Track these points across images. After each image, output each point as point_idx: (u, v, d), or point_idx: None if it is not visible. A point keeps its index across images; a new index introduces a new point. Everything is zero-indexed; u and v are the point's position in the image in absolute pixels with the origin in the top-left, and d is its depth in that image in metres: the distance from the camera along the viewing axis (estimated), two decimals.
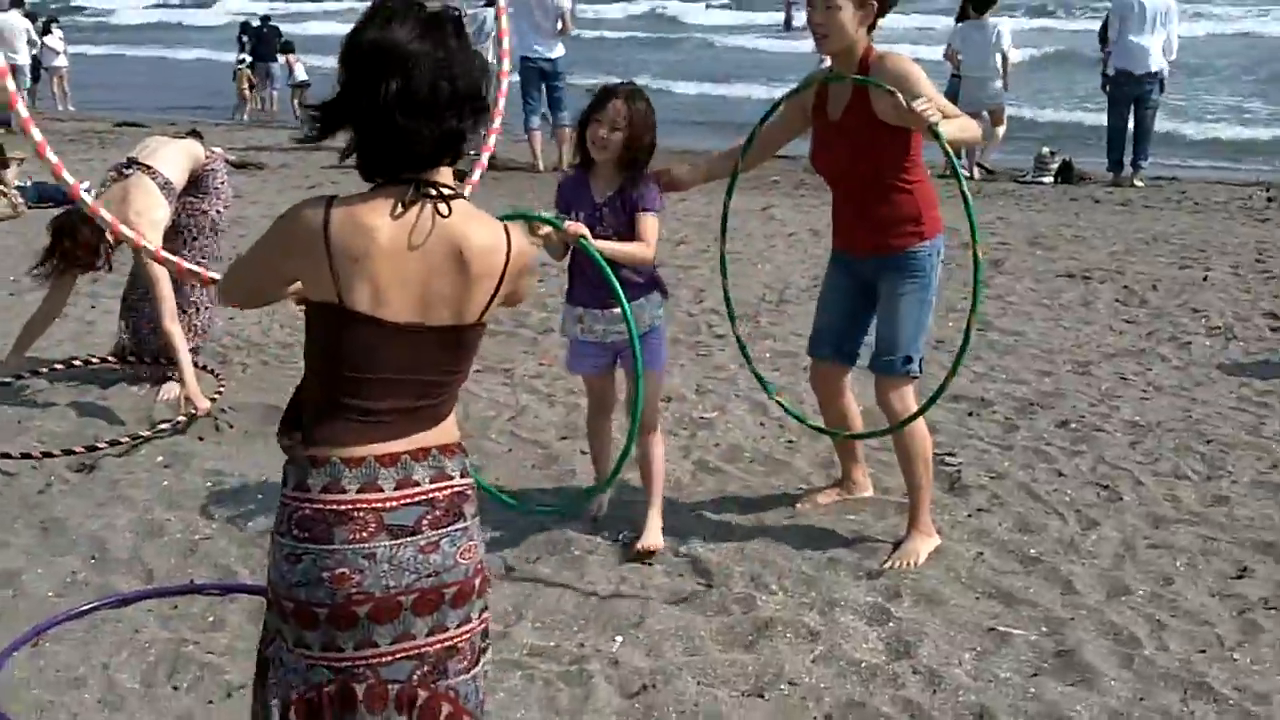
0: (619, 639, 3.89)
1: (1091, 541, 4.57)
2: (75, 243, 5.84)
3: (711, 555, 4.47)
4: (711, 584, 4.27)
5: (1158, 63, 12.40)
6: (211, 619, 4.07)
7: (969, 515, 4.81)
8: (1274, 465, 5.27)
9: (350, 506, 2.28)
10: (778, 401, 4.89)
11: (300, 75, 20.98)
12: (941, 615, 4.05)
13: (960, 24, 13.18)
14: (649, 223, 4.25)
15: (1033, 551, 4.50)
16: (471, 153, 2.82)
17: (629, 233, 4.26)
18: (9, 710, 3.48)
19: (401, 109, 2.22)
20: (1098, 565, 4.40)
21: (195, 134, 6.65)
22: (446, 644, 2.38)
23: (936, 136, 3.93)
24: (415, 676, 2.36)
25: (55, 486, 5.09)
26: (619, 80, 4.51)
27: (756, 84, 23.86)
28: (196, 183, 6.18)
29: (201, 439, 5.58)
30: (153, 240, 5.45)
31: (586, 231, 4.05)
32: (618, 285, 3.92)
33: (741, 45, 32.82)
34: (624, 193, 4.27)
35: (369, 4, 2.31)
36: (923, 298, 4.46)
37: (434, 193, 2.29)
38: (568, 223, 4.07)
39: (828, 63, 4.57)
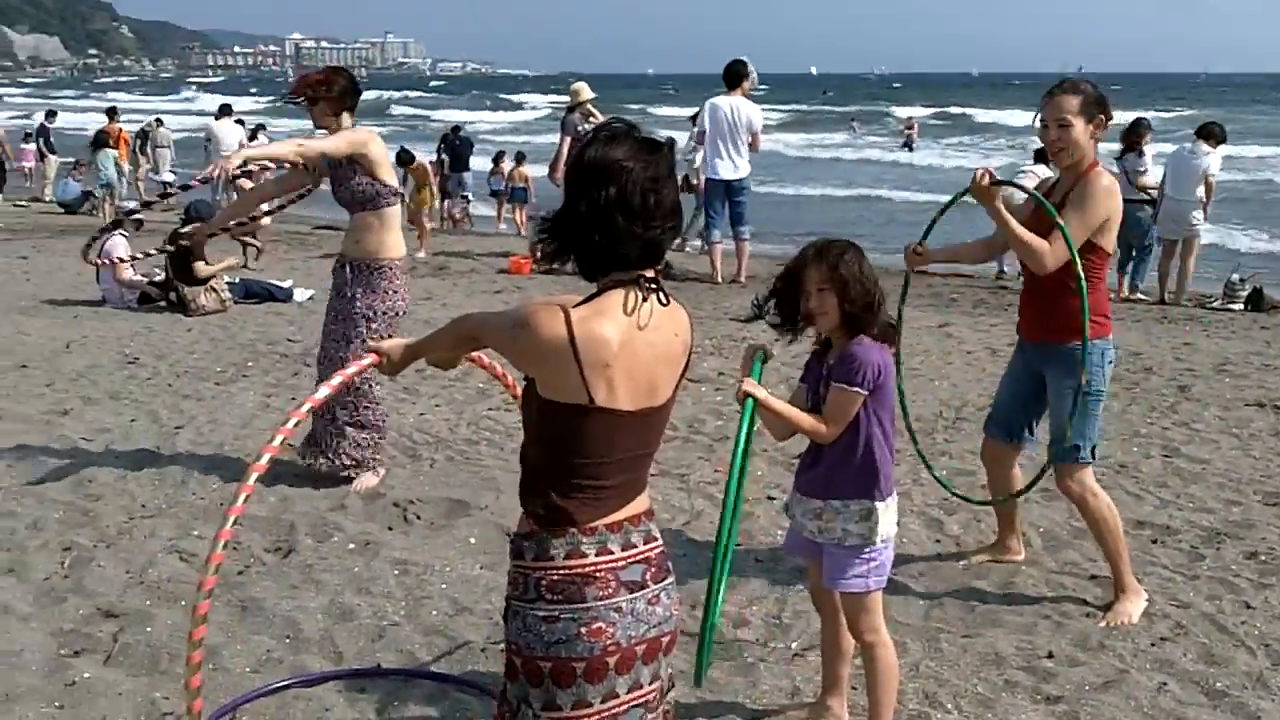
0: None
1: None
2: None
3: None
4: None
5: None
6: (395, 701, 4.22)
7: (1152, 644, 4.70)
8: None
9: (593, 568, 2.57)
10: (955, 493, 5.59)
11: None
12: None
13: (1175, 150, 13.26)
14: (834, 399, 3.69)
15: (1219, 684, 4.37)
16: None
17: (868, 413, 3.72)
18: None
19: (620, 212, 2.51)
20: None
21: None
22: (652, 690, 2.67)
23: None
24: None
25: (254, 568, 5.36)
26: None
27: None
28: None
29: (391, 529, 5.82)
30: None
31: (756, 390, 3.53)
32: (739, 466, 3.25)
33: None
34: (834, 360, 3.75)
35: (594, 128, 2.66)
36: (1087, 391, 4.81)
37: (654, 286, 2.59)
38: (746, 380, 3.59)
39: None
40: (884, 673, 3.84)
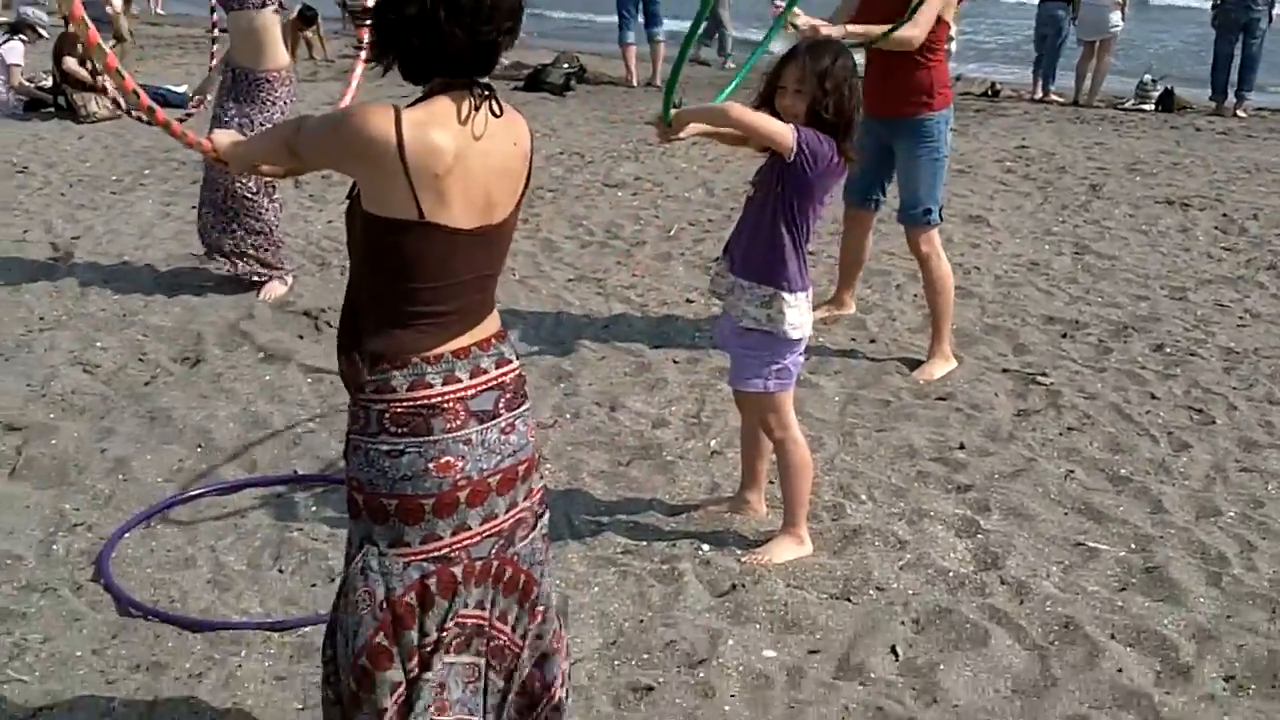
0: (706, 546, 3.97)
1: (1182, 463, 4.56)
2: None
3: None
4: None
5: None
6: (314, 508, 4.19)
7: (1060, 433, 4.81)
8: None
9: (440, 399, 2.37)
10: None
11: None
12: (1030, 529, 4.08)
13: None
14: (769, 116, 3.55)
15: (1123, 471, 4.50)
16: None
17: (785, 193, 3.60)
18: (123, 584, 3.65)
19: (446, 16, 2.24)
20: (1188, 486, 4.40)
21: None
22: (516, 517, 2.52)
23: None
24: (493, 551, 2.48)
25: (161, 378, 5.24)
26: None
27: None
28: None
29: (301, 338, 5.71)
30: None
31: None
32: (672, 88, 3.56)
33: None
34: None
35: None
36: (935, 158, 5.29)
37: (488, 93, 2.35)
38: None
39: None
40: (796, 467, 3.88)
